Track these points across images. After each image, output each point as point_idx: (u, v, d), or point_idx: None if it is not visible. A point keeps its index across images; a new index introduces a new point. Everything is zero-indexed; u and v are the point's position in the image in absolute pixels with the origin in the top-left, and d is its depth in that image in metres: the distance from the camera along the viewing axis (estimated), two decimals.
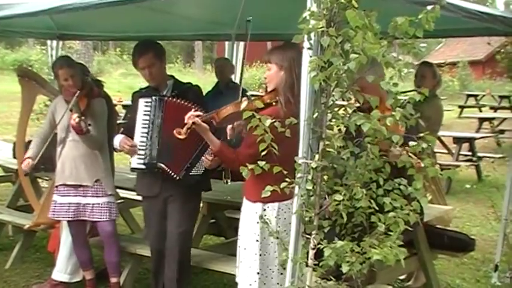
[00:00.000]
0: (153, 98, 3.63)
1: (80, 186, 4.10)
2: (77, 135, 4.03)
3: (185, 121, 3.07)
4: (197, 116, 3.08)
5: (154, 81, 3.73)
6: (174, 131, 3.11)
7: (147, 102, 3.64)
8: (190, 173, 3.60)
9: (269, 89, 3.08)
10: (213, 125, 3.14)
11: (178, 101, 3.59)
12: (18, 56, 21.92)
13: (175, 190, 3.66)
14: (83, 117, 3.88)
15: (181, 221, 3.69)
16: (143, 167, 3.66)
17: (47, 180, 5.67)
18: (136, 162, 3.68)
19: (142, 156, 3.64)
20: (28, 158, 4.12)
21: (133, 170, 3.75)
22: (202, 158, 3.51)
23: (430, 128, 4.48)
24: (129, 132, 3.70)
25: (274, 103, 3.00)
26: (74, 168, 4.09)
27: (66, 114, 4.05)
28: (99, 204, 4.10)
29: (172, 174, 3.60)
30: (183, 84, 3.85)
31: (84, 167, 4.08)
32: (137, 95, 3.80)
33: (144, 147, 3.64)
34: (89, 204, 4.11)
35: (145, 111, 3.64)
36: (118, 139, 3.71)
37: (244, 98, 3.08)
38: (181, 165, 3.59)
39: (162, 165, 3.61)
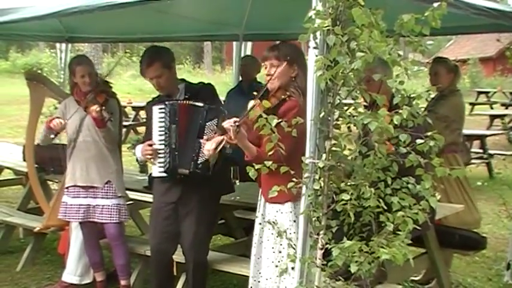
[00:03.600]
0: (166, 103, 3.60)
1: (91, 187, 4.12)
2: (88, 136, 4.07)
3: (226, 127, 2.89)
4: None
5: (164, 90, 3.69)
6: (226, 138, 2.91)
7: (161, 108, 3.61)
8: (199, 162, 3.53)
9: (274, 87, 2.98)
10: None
11: (190, 102, 3.57)
12: (29, 59, 22.09)
13: (195, 196, 3.63)
14: (103, 107, 3.92)
15: (198, 222, 3.65)
16: (165, 174, 3.64)
17: (57, 182, 5.69)
18: (157, 170, 3.66)
19: (163, 164, 3.61)
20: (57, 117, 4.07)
21: (154, 177, 3.76)
22: (201, 142, 3.45)
23: (449, 128, 4.44)
24: (149, 138, 3.68)
25: (287, 98, 2.97)
26: (84, 169, 4.11)
27: (78, 114, 4.08)
28: (108, 206, 4.10)
29: (186, 172, 3.57)
30: (194, 86, 3.81)
31: (95, 168, 4.10)
32: (150, 104, 3.77)
33: (163, 155, 3.60)
34: (98, 205, 4.12)
35: (160, 118, 3.61)
36: (139, 149, 3.69)
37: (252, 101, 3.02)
38: (190, 160, 3.55)
39: (184, 171, 3.59)
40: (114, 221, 4.11)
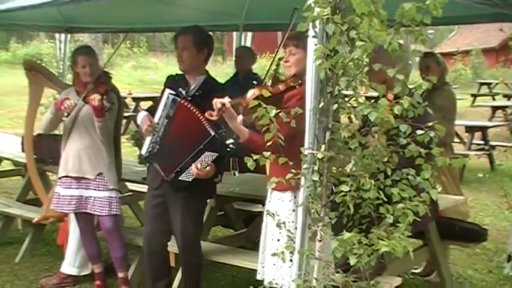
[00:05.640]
0: (169, 95, 3.55)
1: (83, 178, 4.08)
2: (83, 127, 4.04)
3: (214, 106, 2.96)
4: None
5: (183, 65, 3.60)
6: (206, 113, 3.02)
7: (166, 96, 3.56)
8: (180, 178, 3.53)
9: (290, 73, 3.03)
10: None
11: (191, 107, 3.48)
12: (29, 50, 21.99)
13: (175, 191, 3.61)
14: (104, 97, 3.88)
15: (184, 220, 3.61)
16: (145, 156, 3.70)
17: (55, 173, 5.66)
18: (144, 151, 3.68)
19: (145, 150, 3.64)
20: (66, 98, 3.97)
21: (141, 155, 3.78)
22: (192, 165, 3.45)
23: (445, 117, 4.45)
24: (153, 113, 3.64)
25: (297, 86, 2.98)
26: (77, 160, 4.07)
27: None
28: (100, 198, 4.07)
29: (163, 174, 3.59)
30: (213, 84, 3.70)
31: (88, 159, 4.06)
32: (169, 80, 3.72)
33: (149, 142, 3.62)
34: (90, 197, 4.09)
35: (163, 104, 3.57)
36: (141, 116, 3.66)
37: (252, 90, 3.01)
38: (173, 167, 3.54)
39: (156, 166, 3.63)
40: (104, 214, 4.07)
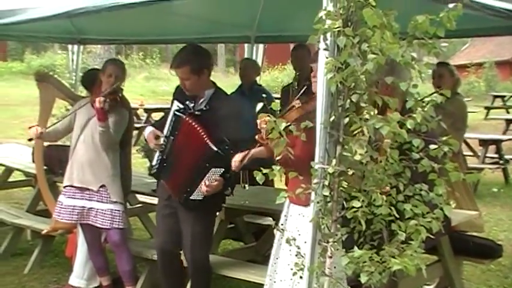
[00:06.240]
0: (174, 112, 3.54)
1: (86, 189, 4.06)
2: (89, 137, 4.04)
3: (259, 126, 2.89)
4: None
5: (188, 91, 3.59)
6: (257, 137, 2.94)
7: (173, 113, 3.55)
8: (191, 198, 3.52)
9: (316, 89, 2.90)
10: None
11: (195, 124, 3.47)
12: (43, 61, 22.16)
13: (187, 209, 3.59)
14: (107, 100, 3.89)
15: (194, 234, 3.59)
16: (154, 171, 3.71)
17: None
18: (153, 164, 3.69)
19: (153, 166, 3.67)
20: (37, 126, 4.06)
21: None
22: (201, 183, 3.45)
23: (454, 125, 4.41)
24: (162, 126, 3.64)
25: None
26: (80, 170, 4.06)
27: (86, 113, 4.05)
28: (102, 210, 4.04)
29: (172, 195, 3.61)
30: (222, 97, 3.67)
31: (91, 170, 4.05)
32: (178, 90, 3.69)
33: (157, 158, 3.63)
34: (93, 208, 4.06)
35: (169, 121, 3.57)
36: (147, 132, 3.66)
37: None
38: (181, 189, 3.54)
39: (164, 183, 3.66)
40: (107, 227, 4.04)
